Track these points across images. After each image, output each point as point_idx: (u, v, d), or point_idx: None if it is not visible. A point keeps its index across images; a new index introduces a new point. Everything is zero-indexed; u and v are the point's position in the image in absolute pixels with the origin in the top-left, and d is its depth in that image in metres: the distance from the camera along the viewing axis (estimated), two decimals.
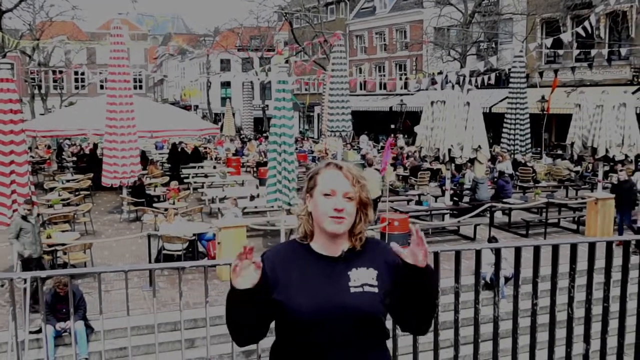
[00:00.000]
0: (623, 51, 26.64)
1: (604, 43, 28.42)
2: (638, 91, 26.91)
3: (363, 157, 26.48)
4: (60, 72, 43.88)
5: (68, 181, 19.64)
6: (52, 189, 17.60)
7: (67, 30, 41.40)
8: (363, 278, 2.22)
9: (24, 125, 11.17)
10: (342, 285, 2.20)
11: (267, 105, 50.34)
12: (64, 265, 10.58)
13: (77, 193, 17.55)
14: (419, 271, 2.18)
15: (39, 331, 8.09)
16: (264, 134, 39.88)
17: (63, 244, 10.81)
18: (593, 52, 26.10)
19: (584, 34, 23.53)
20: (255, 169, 24.35)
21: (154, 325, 4.13)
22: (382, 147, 29.24)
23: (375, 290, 2.21)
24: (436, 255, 3.45)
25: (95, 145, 24.47)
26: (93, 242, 11.71)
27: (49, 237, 11.11)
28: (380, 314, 2.25)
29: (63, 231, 12.49)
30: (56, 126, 20.46)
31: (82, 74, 47.02)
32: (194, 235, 11.77)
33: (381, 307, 2.23)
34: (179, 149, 24.53)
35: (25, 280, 6.11)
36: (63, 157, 27.50)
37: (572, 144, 16.47)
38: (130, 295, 3.94)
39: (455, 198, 15.76)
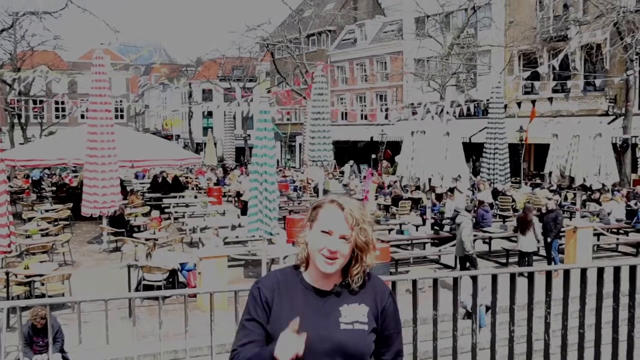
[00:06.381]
0: (598, 82, 27.19)
1: (580, 75, 29.05)
2: (613, 121, 27.45)
3: (345, 186, 26.61)
4: (41, 101, 43.60)
5: (47, 211, 19.44)
6: (30, 219, 17.39)
7: (48, 59, 41.18)
8: (354, 315, 2.21)
9: (3, 155, 11.10)
10: (333, 320, 2.19)
11: (249, 135, 50.44)
12: (42, 296, 10.40)
13: (56, 223, 17.35)
14: None
15: None
16: (245, 163, 39.87)
17: (41, 275, 10.66)
18: (569, 83, 26.61)
19: (558, 67, 24.00)
20: (236, 198, 24.28)
21: (134, 357, 4.10)
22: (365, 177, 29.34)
23: (365, 327, 2.21)
24: (414, 282, 3.49)
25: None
26: (72, 272, 11.56)
27: (26, 267, 10.95)
28: (368, 353, 2.23)
29: (41, 262, 12.31)
30: (36, 156, 20.31)
31: (63, 103, 46.75)
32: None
33: (370, 345, 2.22)
34: (158, 178, 24.45)
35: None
36: (42, 186, 27.23)
37: (550, 173, 16.71)
38: (109, 326, 3.92)
39: (436, 227, 15.86)
